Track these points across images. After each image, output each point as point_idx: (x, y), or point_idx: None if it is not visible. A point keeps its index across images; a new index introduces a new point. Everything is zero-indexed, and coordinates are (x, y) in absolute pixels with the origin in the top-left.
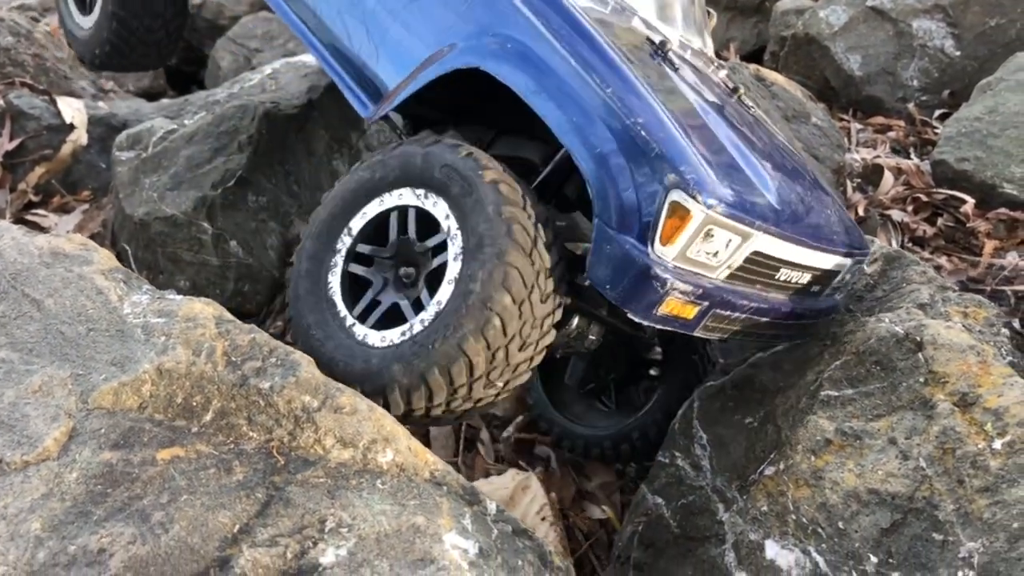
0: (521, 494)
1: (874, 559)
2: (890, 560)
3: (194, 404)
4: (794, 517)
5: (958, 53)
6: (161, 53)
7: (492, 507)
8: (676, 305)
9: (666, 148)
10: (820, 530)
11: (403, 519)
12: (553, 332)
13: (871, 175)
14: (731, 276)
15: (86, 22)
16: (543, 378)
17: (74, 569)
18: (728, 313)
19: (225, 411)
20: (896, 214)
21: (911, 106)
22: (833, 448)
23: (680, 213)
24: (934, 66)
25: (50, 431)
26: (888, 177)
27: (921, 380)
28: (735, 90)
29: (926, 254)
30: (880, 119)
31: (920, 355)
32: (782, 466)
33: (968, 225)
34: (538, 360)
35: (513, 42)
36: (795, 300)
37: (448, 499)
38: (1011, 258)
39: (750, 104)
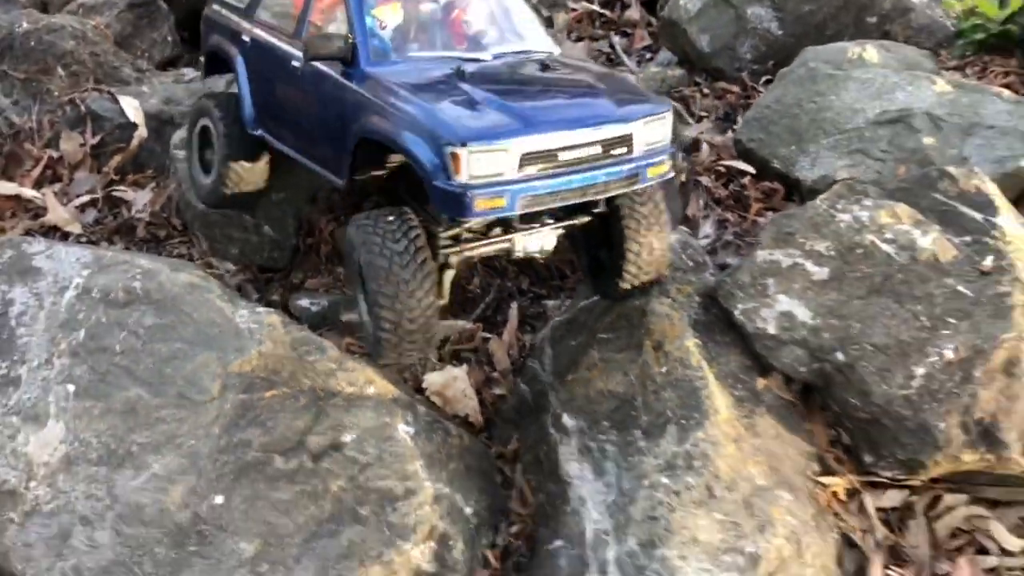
0: (453, 381)
1: (607, 423)
2: (612, 427)
3: (278, 368)
4: (576, 401)
5: (781, 32)
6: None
7: (423, 410)
8: (485, 202)
9: (437, 128)
10: (585, 407)
11: (379, 420)
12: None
13: (695, 147)
14: (520, 171)
15: (207, 179)
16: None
17: (238, 450)
18: (535, 193)
19: (293, 372)
20: (704, 179)
21: (745, 75)
22: (598, 368)
23: (455, 156)
24: (763, 43)
25: (213, 385)
26: (705, 149)
27: (642, 332)
28: (545, 66)
29: (718, 210)
30: (723, 84)
31: (644, 318)
32: (576, 375)
33: (745, 192)
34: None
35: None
36: (598, 167)
37: (400, 408)
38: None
39: (558, 69)
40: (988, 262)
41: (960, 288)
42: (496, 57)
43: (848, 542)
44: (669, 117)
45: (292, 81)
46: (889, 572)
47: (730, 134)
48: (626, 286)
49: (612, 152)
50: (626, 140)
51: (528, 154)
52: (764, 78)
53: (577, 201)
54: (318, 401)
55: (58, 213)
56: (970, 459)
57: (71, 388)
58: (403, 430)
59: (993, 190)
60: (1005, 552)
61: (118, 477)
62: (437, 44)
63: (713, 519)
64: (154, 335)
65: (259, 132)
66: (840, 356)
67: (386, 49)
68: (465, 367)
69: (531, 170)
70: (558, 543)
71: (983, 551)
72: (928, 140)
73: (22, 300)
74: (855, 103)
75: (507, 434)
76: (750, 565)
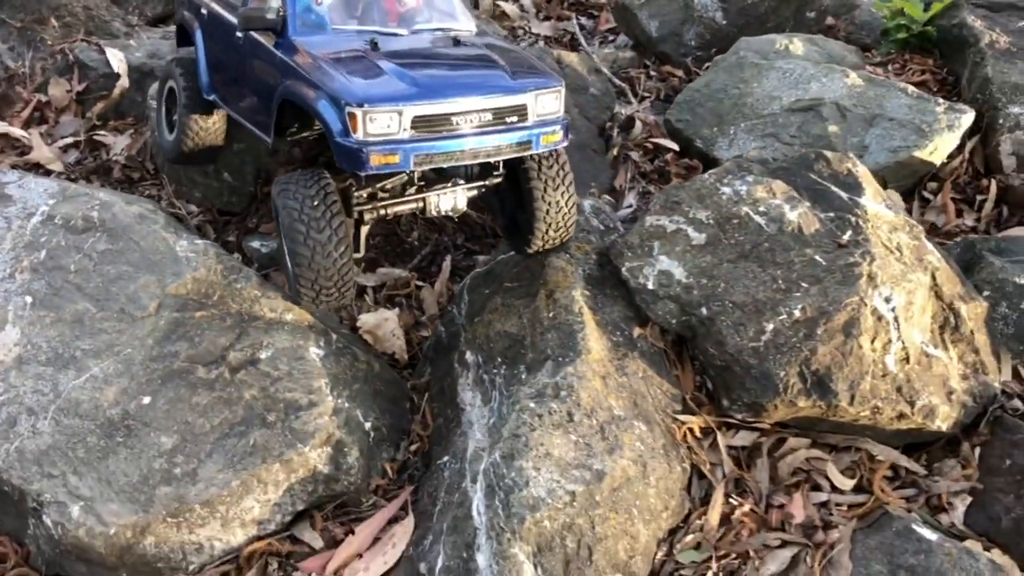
0: (385, 322)
1: (500, 359)
2: (504, 362)
3: (209, 292)
4: (478, 340)
5: (724, 22)
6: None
7: (335, 337)
8: (379, 158)
9: (340, 92)
10: (484, 345)
11: (294, 342)
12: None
13: (630, 124)
14: (413, 132)
15: (170, 136)
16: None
17: (167, 360)
18: (427, 152)
19: (222, 296)
20: (634, 154)
21: (689, 60)
22: (499, 312)
23: (353, 116)
24: (707, 31)
25: (151, 303)
26: (639, 126)
27: (540, 283)
28: (457, 42)
29: (643, 183)
30: (668, 68)
31: (542, 270)
32: (481, 318)
33: (668, 168)
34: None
35: (290, 79)
36: (490, 132)
37: (314, 333)
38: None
39: (468, 46)
40: (846, 236)
41: (817, 257)
42: (414, 33)
43: (699, 474)
44: (561, 91)
45: (236, 50)
46: (731, 500)
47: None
48: (537, 243)
49: (505, 120)
50: (518, 110)
51: (419, 117)
52: (706, 64)
53: (471, 163)
54: (241, 323)
55: (42, 152)
56: (804, 405)
57: (28, 300)
58: (314, 351)
59: (863, 173)
60: (836, 490)
61: (62, 377)
62: (367, 19)
63: (568, 439)
64: (105, 258)
65: (212, 97)
66: (704, 311)
67: (319, 22)
68: (396, 311)
69: (424, 132)
70: (446, 458)
71: (817, 488)
72: (833, 128)
73: None
74: (774, 91)
75: (424, 369)
76: (595, 479)
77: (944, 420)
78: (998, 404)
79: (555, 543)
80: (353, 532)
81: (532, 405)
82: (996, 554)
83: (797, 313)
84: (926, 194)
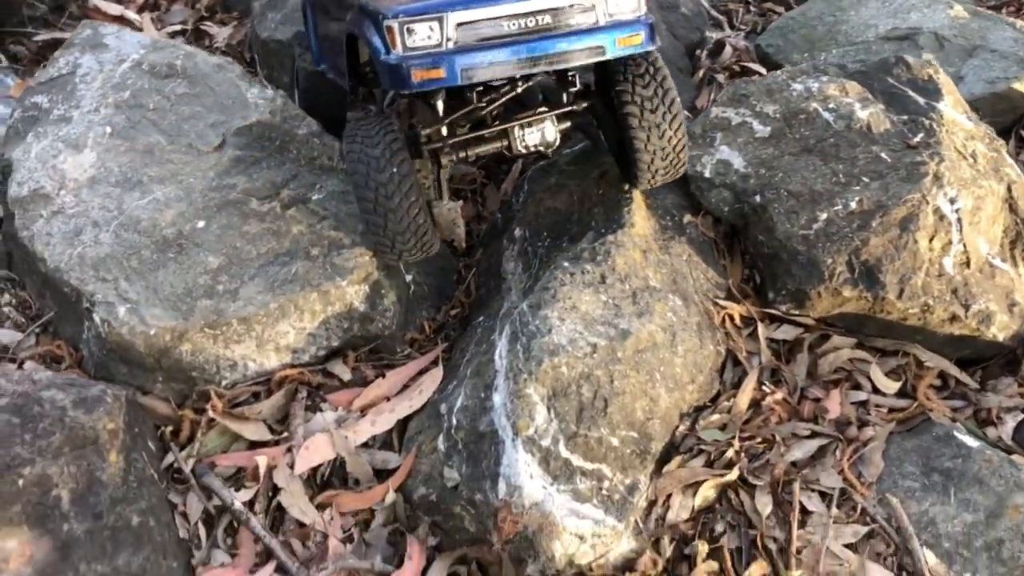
0: (448, 211)
1: (545, 233)
2: (549, 236)
3: (272, 136)
4: (528, 217)
5: None
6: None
7: None
8: (423, 73)
9: (378, 8)
10: (533, 220)
11: (344, 187)
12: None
13: (719, 49)
14: (459, 43)
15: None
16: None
17: (224, 190)
18: (478, 63)
19: (284, 141)
20: (720, 77)
21: None
22: (551, 191)
23: (390, 29)
24: None
25: (217, 140)
26: (728, 50)
27: (595, 166)
28: None
29: None
30: (770, 3)
31: (600, 156)
32: (534, 198)
33: None
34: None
35: (352, 12)
36: (550, 36)
37: None
38: None
39: None
40: (917, 138)
41: (883, 155)
42: None
43: (734, 361)
44: None
45: (329, 13)
46: (764, 387)
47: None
48: (646, 177)
49: (567, 21)
50: (582, 8)
51: (464, 23)
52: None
53: (533, 71)
54: (299, 166)
55: (151, 34)
56: (849, 295)
57: (108, 129)
58: None
59: (944, 80)
60: (877, 392)
61: (127, 197)
62: None
63: (598, 298)
64: (181, 100)
65: (322, 67)
66: (758, 198)
67: None
68: (461, 202)
69: (470, 39)
70: (481, 319)
71: (857, 388)
72: (928, 56)
73: (88, 65)
74: (871, 19)
75: (476, 251)
76: (620, 337)
77: (1001, 330)
78: None
79: (571, 390)
80: (384, 376)
81: (566, 264)
82: None
83: (853, 205)
84: None
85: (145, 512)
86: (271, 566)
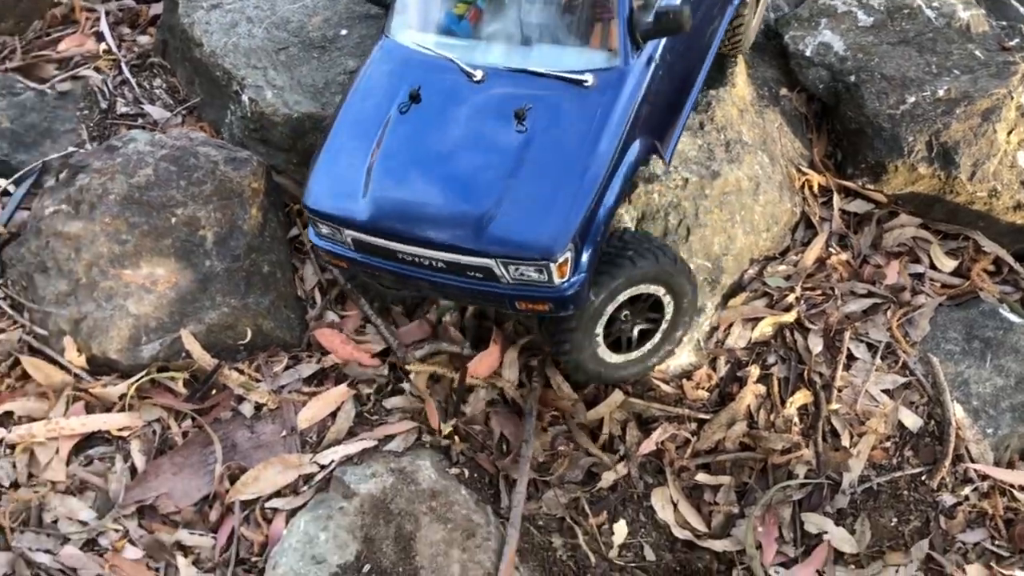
0: None
1: None
2: None
3: None
4: None
5: None
6: None
7: None
8: (332, 259)
9: (308, 180)
10: None
11: None
12: None
13: None
14: (358, 250)
15: None
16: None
17: (366, 5)
18: (372, 270)
19: None
20: None
21: None
22: None
23: (303, 212)
24: None
25: None
26: None
27: None
28: (520, 117)
29: None
30: None
31: None
32: None
33: None
34: None
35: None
36: (443, 276)
37: None
38: None
39: (524, 130)
40: (1013, 43)
41: (976, 52)
42: (495, 75)
43: (807, 224)
44: (553, 265)
45: None
46: (831, 248)
47: None
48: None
49: (465, 273)
50: (481, 269)
51: (361, 241)
52: None
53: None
54: None
55: None
56: (924, 173)
57: None
58: None
59: None
60: (934, 268)
61: (280, 0)
62: (456, 32)
63: (695, 142)
64: None
65: None
66: (852, 78)
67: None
68: None
69: (365, 253)
70: None
71: (916, 261)
72: None
73: None
74: None
75: None
76: (710, 176)
77: None
78: None
79: (659, 215)
80: None
81: None
82: None
83: (941, 92)
84: None
85: (274, 264)
86: (373, 332)
